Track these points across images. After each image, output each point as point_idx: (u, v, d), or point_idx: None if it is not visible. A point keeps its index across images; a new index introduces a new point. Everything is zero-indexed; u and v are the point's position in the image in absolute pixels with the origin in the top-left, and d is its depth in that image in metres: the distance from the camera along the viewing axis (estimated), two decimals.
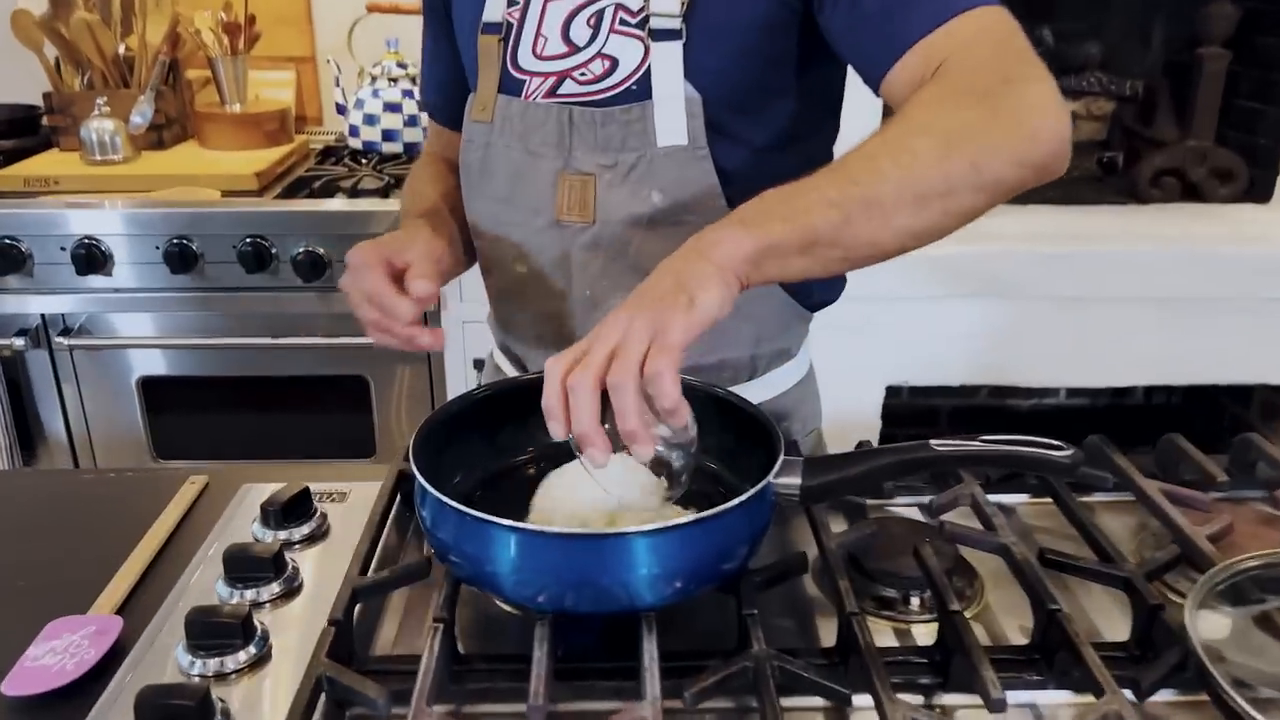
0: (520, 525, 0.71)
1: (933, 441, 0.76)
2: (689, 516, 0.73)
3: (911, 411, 2.74)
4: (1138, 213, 2.40)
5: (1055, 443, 0.76)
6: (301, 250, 2.01)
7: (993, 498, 0.94)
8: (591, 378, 0.70)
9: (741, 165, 0.97)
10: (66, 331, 2.10)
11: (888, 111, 0.85)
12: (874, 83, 0.88)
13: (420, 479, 0.75)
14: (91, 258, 2.01)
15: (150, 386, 2.18)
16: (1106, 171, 2.63)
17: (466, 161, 1.07)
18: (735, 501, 0.73)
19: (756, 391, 1.09)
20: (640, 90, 0.97)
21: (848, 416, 2.25)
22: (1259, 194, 2.42)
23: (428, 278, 0.92)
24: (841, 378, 2.23)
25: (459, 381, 2.19)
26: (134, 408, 2.20)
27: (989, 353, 2.27)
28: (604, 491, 0.79)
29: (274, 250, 2.02)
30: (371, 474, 1.02)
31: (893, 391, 2.33)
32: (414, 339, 0.92)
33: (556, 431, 0.73)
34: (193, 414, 2.25)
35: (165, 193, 2.10)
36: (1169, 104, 2.50)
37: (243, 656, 0.75)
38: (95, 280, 2.05)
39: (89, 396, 2.19)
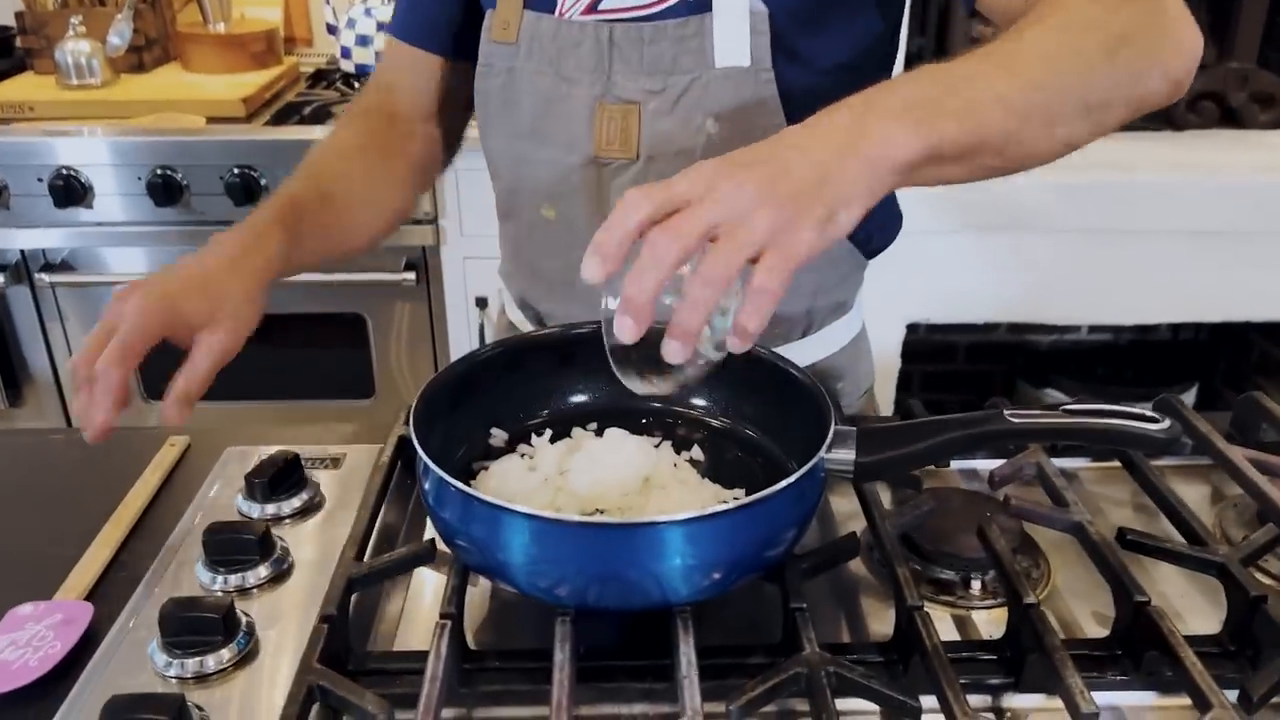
0: (537, 513, 0.61)
1: (1007, 412, 0.67)
2: (728, 502, 0.64)
3: (928, 347, 2.65)
4: (1172, 140, 2.28)
5: (1146, 413, 0.66)
6: None
7: (1055, 462, 0.85)
8: (680, 247, 0.57)
9: (805, 90, 0.86)
10: (48, 267, 2.01)
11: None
12: None
13: (423, 454, 0.66)
14: (70, 189, 1.90)
15: None
16: None
17: (484, 90, 0.95)
18: (784, 484, 0.63)
19: (811, 349, 0.99)
20: (698, 2, 0.85)
21: None
22: None
23: (199, 380, 0.77)
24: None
25: (461, 320, 2.10)
26: None
27: (1013, 289, 2.17)
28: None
29: (263, 181, 1.91)
30: (369, 435, 0.93)
31: (910, 328, 2.23)
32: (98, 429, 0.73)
33: (594, 271, 0.59)
34: (182, 353, 2.15)
35: (147, 120, 1.99)
36: (1208, 22, 2.37)
37: (226, 654, 0.66)
38: (76, 214, 1.94)
39: (75, 335, 2.10)
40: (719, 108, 0.86)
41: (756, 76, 0.85)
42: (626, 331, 0.58)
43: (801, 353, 0.98)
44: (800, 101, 0.86)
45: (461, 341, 2.11)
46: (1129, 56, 0.69)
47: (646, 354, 0.64)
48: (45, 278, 1.99)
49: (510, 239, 1.03)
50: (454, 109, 1.04)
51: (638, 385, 0.66)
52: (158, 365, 2.29)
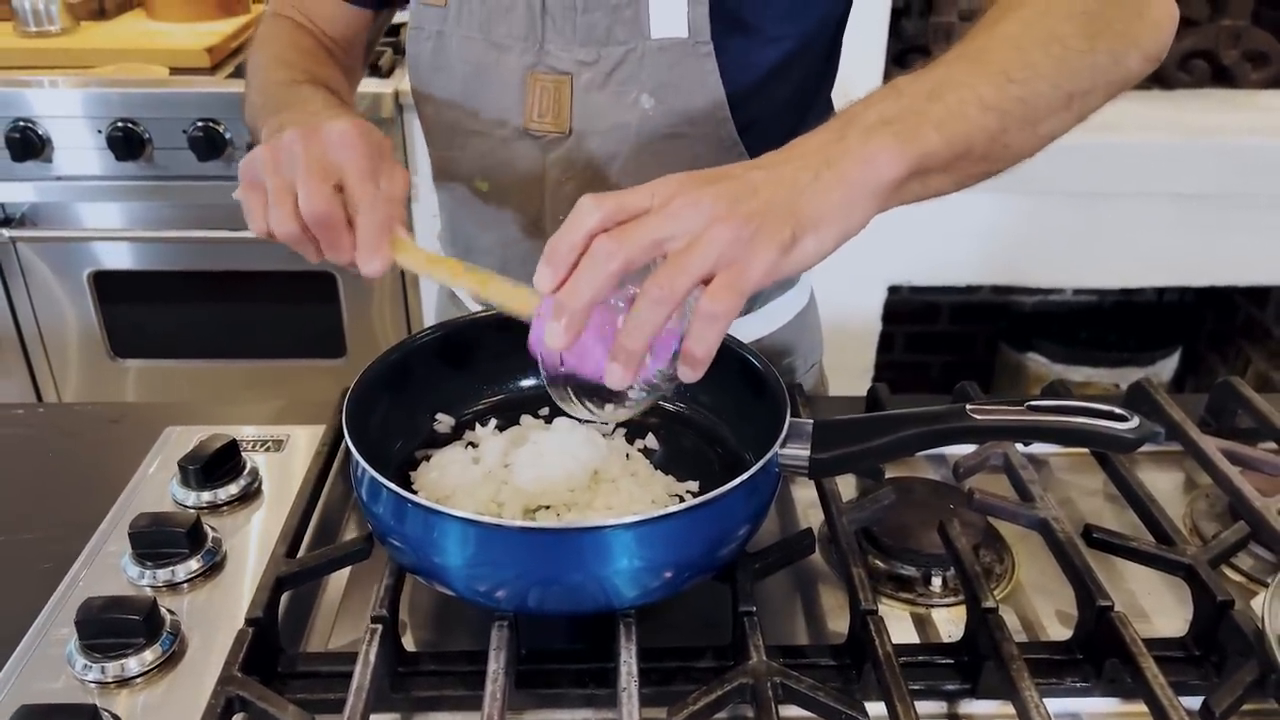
0: (475, 517, 0.58)
1: (970, 409, 0.64)
2: (681, 498, 0.61)
3: (911, 308, 2.62)
4: (1162, 99, 2.23)
5: (1115, 410, 0.63)
6: None
7: (1022, 449, 0.82)
8: (624, 256, 0.53)
9: (749, 64, 0.82)
10: (7, 222, 1.95)
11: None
12: None
13: (354, 450, 0.63)
14: (28, 142, 1.84)
15: (103, 281, 2.04)
16: None
17: (414, 54, 0.90)
18: (734, 483, 0.60)
19: (756, 325, 0.96)
20: None
21: (848, 319, 2.13)
22: None
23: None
24: (843, 278, 2.08)
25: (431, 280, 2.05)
26: (87, 303, 2.06)
27: (996, 251, 2.13)
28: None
29: (228, 135, 1.85)
30: (316, 412, 0.89)
31: (892, 289, 2.20)
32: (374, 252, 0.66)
33: (545, 280, 0.55)
34: (150, 310, 2.11)
35: (108, 70, 1.92)
36: None
37: (148, 657, 0.63)
38: (33, 167, 1.88)
39: (37, 292, 2.05)
40: (655, 82, 0.82)
41: (695, 49, 0.80)
42: (555, 336, 0.55)
43: (746, 329, 0.95)
44: (743, 77, 0.82)
45: (433, 299, 2.07)
46: (1108, 39, 0.66)
47: (584, 381, 0.61)
48: (4, 233, 1.93)
49: (446, 208, 0.99)
50: (366, 50, 1.01)
51: (579, 411, 0.63)
52: (125, 324, 2.23)
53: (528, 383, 0.81)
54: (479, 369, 0.80)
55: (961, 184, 0.64)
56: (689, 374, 0.57)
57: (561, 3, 0.81)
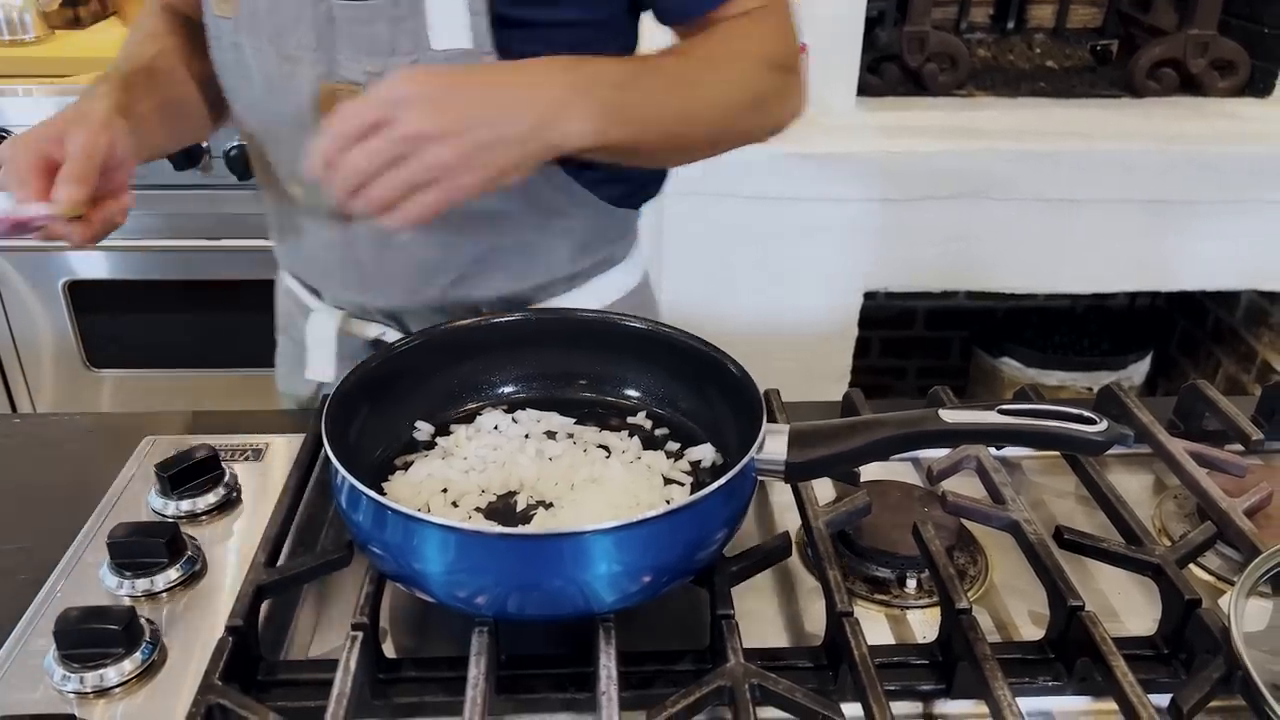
0: (454, 524, 0.59)
1: (943, 413, 0.65)
2: (651, 509, 0.61)
3: (887, 313, 2.64)
4: (1131, 107, 2.26)
5: (1084, 414, 0.64)
6: (235, 145, 1.84)
7: (995, 452, 0.84)
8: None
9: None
10: None
11: None
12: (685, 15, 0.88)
13: (333, 458, 0.63)
14: None
15: (78, 291, 2.03)
16: (1100, 61, 2.48)
17: (218, 61, 0.90)
18: (713, 486, 0.61)
19: (582, 300, 0.97)
20: None
21: (825, 324, 2.14)
22: (1259, 88, 2.29)
23: (77, 181, 0.79)
24: (819, 283, 2.12)
25: None
26: (62, 313, 2.05)
27: (970, 257, 2.15)
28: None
29: (205, 145, 1.85)
30: (295, 421, 0.90)
31: (868, 295, 2.22)
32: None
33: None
34: (126, 320, 2.10)
35: (83, 79, 1.91)
36: None
37: (127, 667, 0.63)
38: None
39: (11, 301, 2.04)
40: None
41: (481, 59, 0.80)
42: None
43: (571, 302, 0.96)
44: None
45: None
46: (758, 117, 0.86)
47: None
48: None
49: (271, 210, 0.99)
50: None
51: None
52: (100, 334, 2.21)
53: (508, 389, 0.82)
54: (458, 377, 0.80)
55: (614, 161, 0.83)
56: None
57: (348, 14, 0.81)
